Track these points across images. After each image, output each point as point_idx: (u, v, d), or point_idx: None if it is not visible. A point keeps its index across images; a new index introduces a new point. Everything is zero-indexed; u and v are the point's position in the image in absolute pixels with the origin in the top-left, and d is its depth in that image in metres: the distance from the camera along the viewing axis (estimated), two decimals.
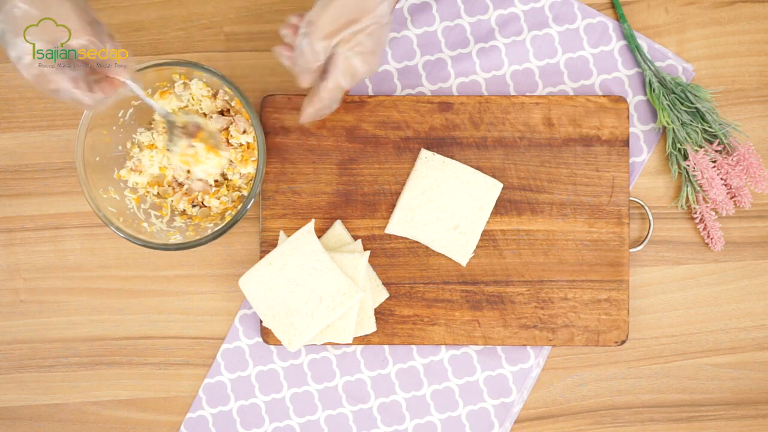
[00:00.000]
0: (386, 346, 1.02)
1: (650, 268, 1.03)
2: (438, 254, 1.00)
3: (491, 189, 0.99)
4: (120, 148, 1.00)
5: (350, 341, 0.97)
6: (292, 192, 1.01)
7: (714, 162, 1.02)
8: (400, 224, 0.99)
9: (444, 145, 1.00)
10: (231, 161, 0.99)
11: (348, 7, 0.83)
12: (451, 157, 1.00)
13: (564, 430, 1.03)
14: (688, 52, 1.04)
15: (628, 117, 1.00)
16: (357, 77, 0.86)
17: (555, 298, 1.00)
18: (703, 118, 1.02)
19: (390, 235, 1.00)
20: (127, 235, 0.94)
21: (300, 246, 0.96)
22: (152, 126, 1.01)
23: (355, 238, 1.00)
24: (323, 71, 0.86)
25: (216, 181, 1.00)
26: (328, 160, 1.01)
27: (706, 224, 1.02)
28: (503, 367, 1.02)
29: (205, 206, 1.01)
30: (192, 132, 0.94)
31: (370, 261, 1.00)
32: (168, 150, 0.94)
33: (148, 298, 1.03)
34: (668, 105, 1.01)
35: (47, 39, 0.78)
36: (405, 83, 1.04)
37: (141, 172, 1.00)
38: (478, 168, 1.00)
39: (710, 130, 1.01)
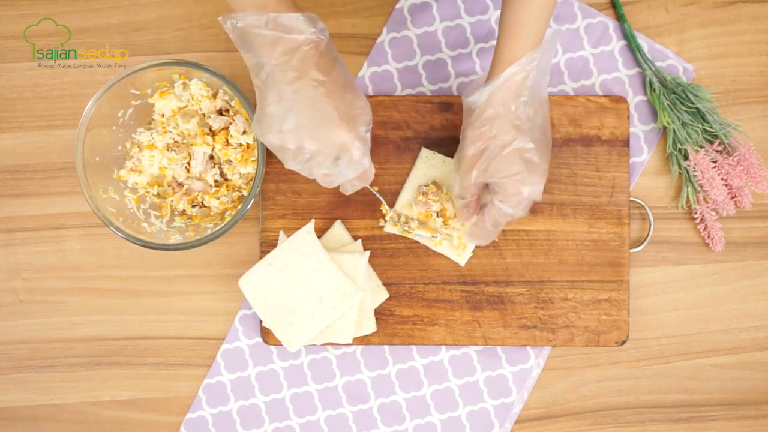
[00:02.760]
0: (386, 347, 1.02)
1: (650, 269, 1.03)
2: (438, 254, 1.00)
3: None
4: (120, 148, 1.00)
5: (350, 341, 0.97)
6: (292, 192, 1.01)
7: (714, 162, 1.01)
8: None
9: (444, 145, 1.00)
10: (230, 161, 0.99)
11: (473, 139, 0.87)
12: (452, 157, 1.00)
13: (564, 431, 1.03)
14: (689, 52, 1.04)
15: (628, 117, 1.00)
16: (514, 198, 0.87)
17: (555, 298, 1.00)
18: (703, 118, 1.02)
19: (390, 235, 1.00)
20: (126, 235, 0.94)
21: (300, 246, 0.96)
22: (152, 126, 1.01)
23: (355, 238, 1.00)
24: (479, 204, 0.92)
25: (216, 181, 1.00)
26: None
27: (706, 224, 1.02)
28: (503, 367, 1.02)
29: (205, 206, 1.01)
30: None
31: (370, 261, 1.00)
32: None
33: (148, 298, 1.03)
34: (669, 105, 1.01)
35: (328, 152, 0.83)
36: (405, 83, 1.04)
37: (141, 172, 1.00)
38: None
39: (711, 130, 1.01)
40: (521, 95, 0.85)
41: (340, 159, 0.84)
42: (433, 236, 0.98)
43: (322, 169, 0.84)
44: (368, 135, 0.85)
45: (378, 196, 0.98)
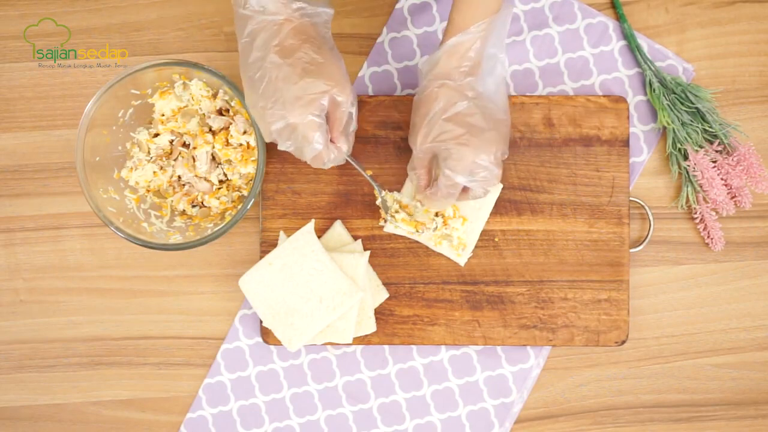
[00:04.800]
0: (386, 346, 1.02)
1: (650, 268, 1.03)
2: (438, 254, 1.00)
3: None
4: (120, 148, 1.00)
5: (350, 341, 0.97)
6: (292, 192, 1.01)
7: (714, 162, 1.01)
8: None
9: None
10: (231, 161, 0.99)
11: (417, 105, 0.88)
12: None
13: (564, 431, 1.03)
14: (689, 52, 1.04)
15: (628, 117, 1.00)
16: (460, 164, 0.86)
17: (555, 298, 1.00)
18: (703, 118, 1.02)
19: (390, 235, 1.00)
20: (127, 235, 0.94)
21: (300, 246, 0.96)
22: (152, 126, 1.01)
23: (355, 238, 1.00)
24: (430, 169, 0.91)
25: (220, 180, 1.00)
26: None
27: (706, 224, 1.02)
28: (503, 367, 1.02)
29: (205, 206, 1.01)
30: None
31: (370, 261, 1.00)
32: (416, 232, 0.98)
33: (148, 298, 1.03)
34: (668, 105, 1.01)
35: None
36: (405, 83, 1.04)
37: (142, 168, 1.00)
38: None
39: (710, 130, 1.01)
40: (463, 63, 0.85)
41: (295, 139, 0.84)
42: (417, 231, 0.97)
43: (285, 145, 0.85)
44: (325, 120, 0.85)
45: (369, 179, 0.97)
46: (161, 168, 0.99)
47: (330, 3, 0.87)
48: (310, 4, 0.84)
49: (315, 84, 0.82)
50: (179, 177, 1.00)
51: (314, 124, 0.83)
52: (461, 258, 0.99)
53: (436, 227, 0.97)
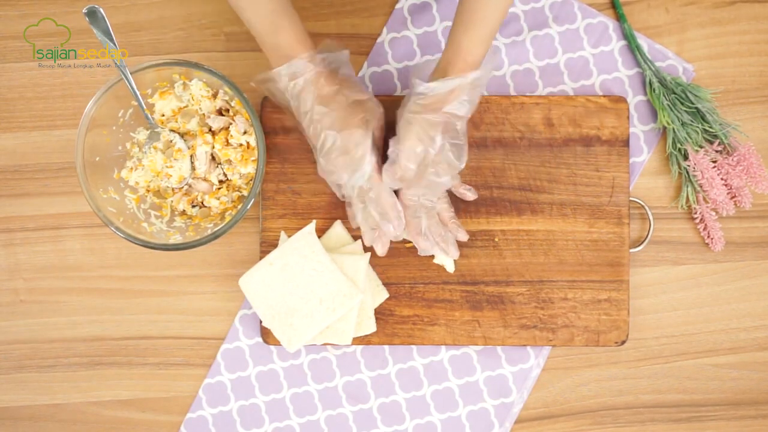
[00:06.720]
0: (386, 347, 1.02)
1: (650, 268, 1.03)
2: None
3: None
4: (120, 148, 1.00)
5: (349, 343, 0.97)
6: (292, 192, 1.01)
7: (714, 162, 1.01)
8: None
9: None
10: (231, 161, 0.99)
11: (419, 132, 0.91)
12: None
13: (564, 431, 1.03)
14: (689, 52, 1.04)
15: (628, 117, 1.00)
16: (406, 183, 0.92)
17: (555, 298, 1.00)
18: (703, 119, 1.02)
19: None
20: (127, 235, 0.94)
21: (301, 247, 0.96)
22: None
23: (355, 238, 1.00)
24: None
25: (220, 180, 1.00)
26: None
27: (706, 224, 1.02)
28: (503, 367, 1.02)
29: (205, 206, 1.01)
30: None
31: (370, 261, 1.00)
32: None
33: (148, 298, 1.03)
34: (668, 105, 1.01)
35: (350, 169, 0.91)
36: (405, 83, 1.04)
37: (142, 167, 1.00)
38: (478, 168, 1.00)
39: (710, 130, 1.01)
40: (466, 95, 0.89)
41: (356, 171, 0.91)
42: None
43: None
44: (376, 133, 0.93)
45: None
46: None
47: (343, 45, 0.93)
48: (329, 52, 0.91)
49: (357, 113, 0.91)
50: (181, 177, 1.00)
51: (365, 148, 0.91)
52: (449, 264, 0.99)
53: None
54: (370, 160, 0.91)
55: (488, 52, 0.88)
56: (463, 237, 0.97)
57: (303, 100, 0.90)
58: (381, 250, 0.95)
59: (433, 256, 0.99)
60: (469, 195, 0.98)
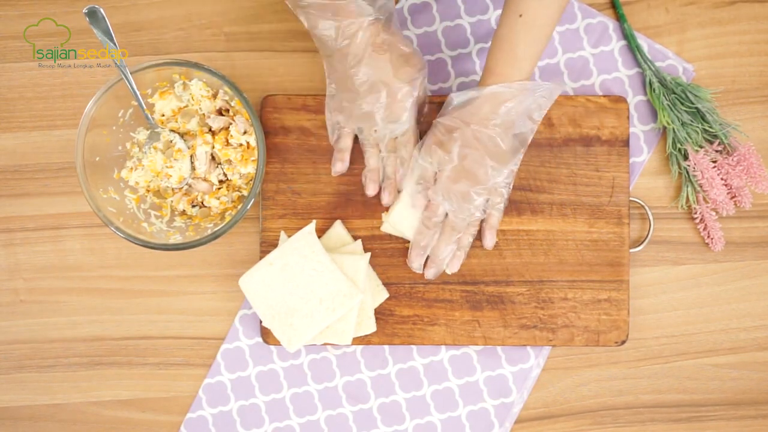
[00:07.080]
0: (386, 346, 1.02)
1: (650, 268, 1.03)
2: None
3: None
4: (120, 148, 1.00)
5: (349, 343, 0.97)
6: (292, 192, 1.01)
7: (714, 162, 1.02)
8: (400, 221, 0.98)
9: None
10: (231, 161, 0.99)
11: (441, 135, 0.95)
12: None
13: (564, 431, 1.03)
14: (689, 52, 1.04)
15: (628, 117, 1.00)
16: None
17: (555, 298, 1.00)
18: (703, 118, 1.02)
19: (390, 235, 1.00)
20: (127, 235, 0.94)
21: (301, 247, 0.96)
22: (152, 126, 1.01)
23: (355, 238, 1.00)
24: None
25: (220, 180, 1.00)
26: (329, 160, 1.00)
27: (706, 224, 1.02)
28: (503, 367, 1.02)
29: (205, 206, 1.01)
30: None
31: (370, 261, 1.00)
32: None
33: (148, 298, 1.03)
34: (668, 105, 1.01)
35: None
36: None
37: (142, 167, 1.00)
38: None
39: (710, 130, 1.01)
40: (497, 114, 0.91)
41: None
42: None
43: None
44: (421, 88, 0.95)
45: None
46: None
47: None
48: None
49: (410, 69, 0.93)
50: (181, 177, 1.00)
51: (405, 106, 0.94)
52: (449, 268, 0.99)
53: None
54: (411, 114, 0.93)
55: (526, 76, 0.90)
56: (488, 244, 0.98)
57: (356, 44, 0.90)
58: (387, 199, 0.98)
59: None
60: (487, 242, 0.98)
